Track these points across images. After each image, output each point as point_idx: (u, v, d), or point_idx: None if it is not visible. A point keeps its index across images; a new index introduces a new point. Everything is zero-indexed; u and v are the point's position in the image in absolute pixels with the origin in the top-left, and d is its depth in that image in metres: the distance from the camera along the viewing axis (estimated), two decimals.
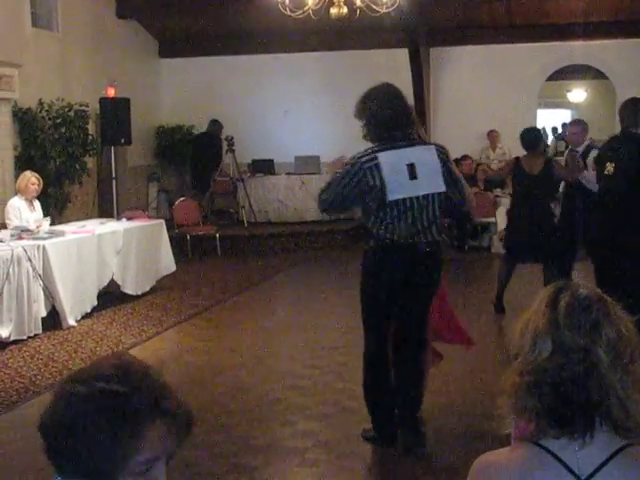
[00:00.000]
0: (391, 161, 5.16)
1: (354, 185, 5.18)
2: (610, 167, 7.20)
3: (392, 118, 5.25)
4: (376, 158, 5.16)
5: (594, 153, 8.82)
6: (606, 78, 16.57)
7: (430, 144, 5.56)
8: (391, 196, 5.12)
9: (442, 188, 5.29)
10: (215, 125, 16.18)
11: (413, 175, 5.16)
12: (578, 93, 23.40)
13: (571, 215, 9.13)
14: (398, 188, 5.13)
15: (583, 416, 1.80)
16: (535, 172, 9.07)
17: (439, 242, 5.36)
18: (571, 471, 1.80)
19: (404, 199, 5.15)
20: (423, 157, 5.26)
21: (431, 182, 5.26)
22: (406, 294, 5.30)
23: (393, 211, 5.16)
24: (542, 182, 9.07)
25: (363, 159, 5.17)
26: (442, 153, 5.35)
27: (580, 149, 9.38)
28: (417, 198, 5.18)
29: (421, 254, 5.25)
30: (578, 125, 9.69)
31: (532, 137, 9.44)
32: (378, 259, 5.28)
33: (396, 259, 5.23)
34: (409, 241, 5.19)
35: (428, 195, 5.22)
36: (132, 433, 1.42)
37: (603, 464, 1.80)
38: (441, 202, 5.29)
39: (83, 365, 7.47)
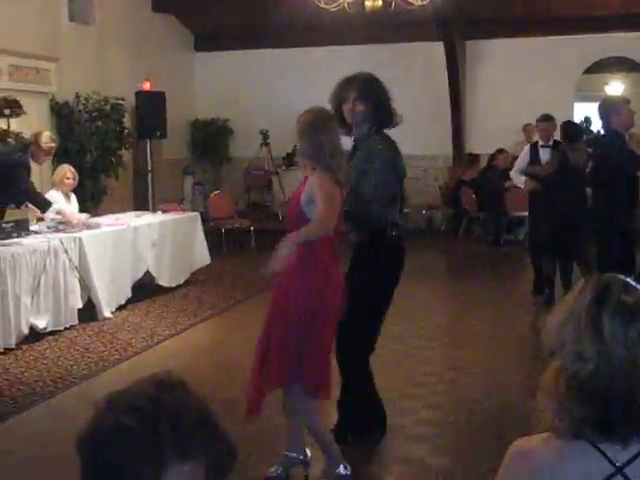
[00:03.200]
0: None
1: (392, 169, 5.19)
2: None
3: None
4: (395, 142, 5.25)
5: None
6: None
7: None
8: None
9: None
10: None
11: None
12: (616, 86, 23.13)
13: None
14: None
15: (630, 427, 1.80)
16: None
17: None
18: (608, 458, 1.81)
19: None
20: None
21: None
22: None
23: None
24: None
25: (388, 145, 5.19)
26: None
27: (550, 143, 9.48)
28: None
29: None
30: (547, 122, 9.69)
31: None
32: (398, 252, 5.25)
33: (403, 252, 5.29)
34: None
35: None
36: (153, 477, 1.37)
37: None
38: None
39: (117, 356, 7.56)
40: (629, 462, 1.80)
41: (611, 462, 1.81)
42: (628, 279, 1.88)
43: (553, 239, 9.16)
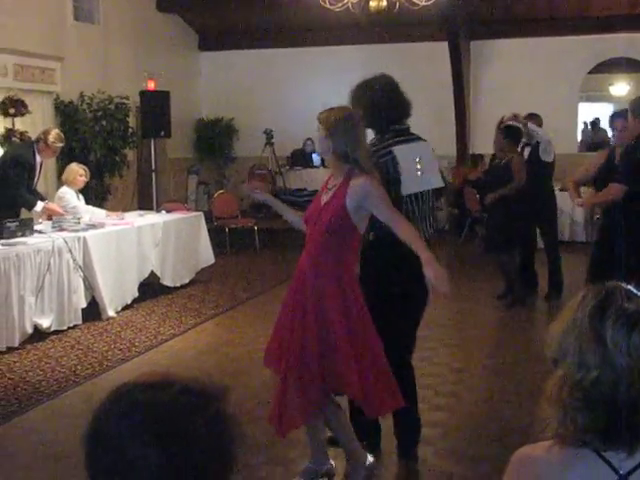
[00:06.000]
0: (405, 155, 5.04)
1: None
2: None
3: (400, 109, 5.18)
4: (391, 152, 5.02)
5: None
6: None
7: (424, 139, 5.32)
8: (405, 191, 5.01)
9: (441, 183, 5.34)
10: None
11: (422, 169, 5.11)
12: (621, 87, 23.07)
13: None
14: (411, 183, 5.05)
15: (635, 435, 1.79)
16: None
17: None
18: (612, 466, 1.81)
19: (415, 194, 5.08)
20: (426, 151, 5.23)
21: (433, 177, 5.23)
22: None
23: (407, 206, 5.03)
24: None
25: (379, 153, 5.00)
26: (433, 150, 5.36)
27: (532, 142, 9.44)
28: (422, 193, 5.13)
29: None
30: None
31: None
32: (398, 254, 4.74)
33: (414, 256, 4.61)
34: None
35: (429, 190, 5.19)
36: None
37: None
38: (433, 197, 5.26)
39: (121, 355, 7.56)
40: (633, 470, 1.80)
41: (615, 470, 1.80)
42: (630, 286, 1.88)
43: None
